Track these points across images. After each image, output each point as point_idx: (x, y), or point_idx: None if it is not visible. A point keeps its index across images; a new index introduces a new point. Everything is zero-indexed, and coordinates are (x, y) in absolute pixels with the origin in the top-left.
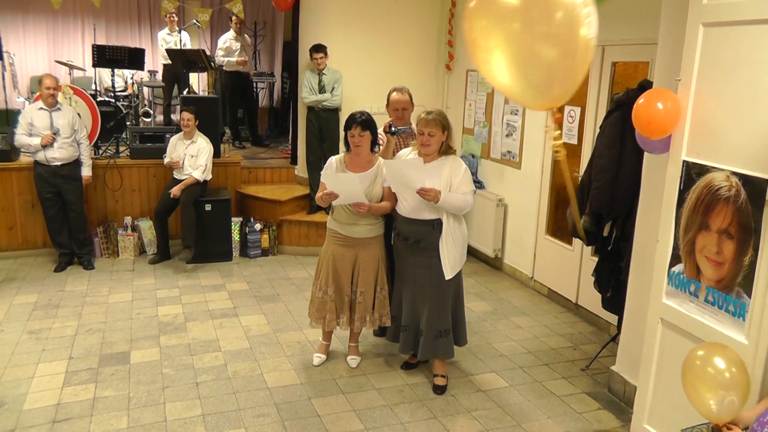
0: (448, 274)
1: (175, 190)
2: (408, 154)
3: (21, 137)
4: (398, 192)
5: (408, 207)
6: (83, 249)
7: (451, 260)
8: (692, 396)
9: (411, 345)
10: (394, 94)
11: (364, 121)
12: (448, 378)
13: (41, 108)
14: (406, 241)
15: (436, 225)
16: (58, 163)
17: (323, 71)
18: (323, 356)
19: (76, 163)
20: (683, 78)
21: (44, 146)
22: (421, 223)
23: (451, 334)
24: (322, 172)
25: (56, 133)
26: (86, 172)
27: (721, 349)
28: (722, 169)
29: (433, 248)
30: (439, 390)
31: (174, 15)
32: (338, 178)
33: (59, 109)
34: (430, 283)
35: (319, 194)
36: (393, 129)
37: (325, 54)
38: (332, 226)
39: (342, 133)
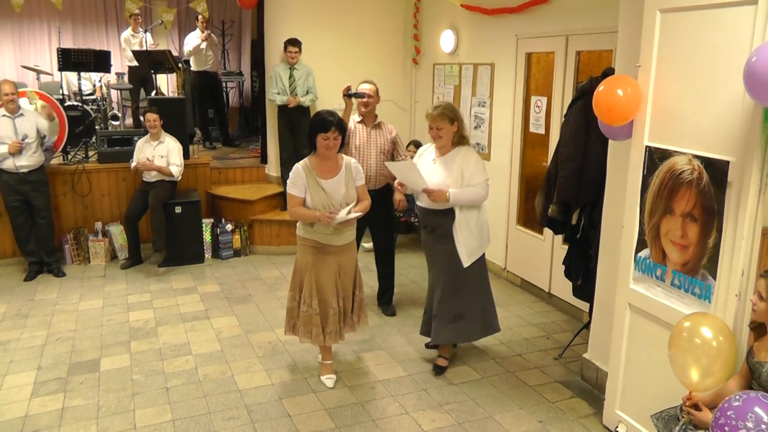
0: (466, 262)
1: (152, 166)
2: (427, 149)
3: None
4: (414, 189)
5: (424, 198)
6: (52, 257)
7: (467, 248)
8: (678, 366)
9: (428, 328)
10: (363, 84)
11: (339, 123)
12: (449, 361)
13: (4, 115)
14: (429, 231)
15: (449, 213)
16: (25, 170)
17: (295, 66)
18: (334, 376)
19: (43, 169)
20: (643, 64)
21: (12, 154)
22: (436, 213)
23: (465, 318)
24: (289, 182)
25: (24, 138)
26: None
27: (707, 319)
28: (684, 153)
29: (449, 235)
30: (439, 370)
31: (138, 16)
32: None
33: (22, 114)
34: (446, 268)
35: (318, 214)
36: (350, 92)
37: (300, 49)
38: (312, 237)
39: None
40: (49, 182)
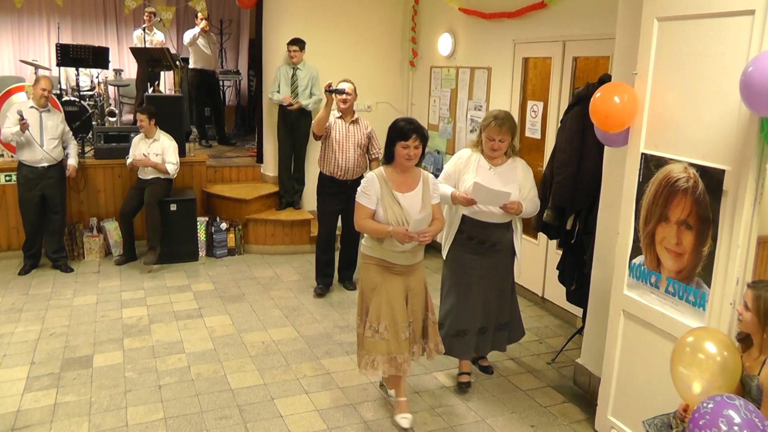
0: (519, 273)
1: (148, 162)
2: (469, 156)
3: (7, 130)
4: (481, 204)
5: (482, 210)
6: (60, 252)
7: (520, 258)
8: (679, 380)
9: (486, 346)
10: (342, 83)
11: (420, 130)
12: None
13: (32, 107)
14: (481, 244)
15: (509, 227)
16: (45, 164)
17: (297, 66)
18: (410, 415)
19: (61, 165)
20: (640, 72)
21: (23, 130)
22: (499, 227)
23: (509, 324)
24: (360, 191)
25: (21, 114)
26: (72, 161)
27: (711, 334)
28: (680, 161)
29: (508, 248)
30: (491, 370)
31: (153, 14)
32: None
33: (49, 110)
34: (500, 281)
35: (390, 229)
36: (331, 88)
37: (301, 48)
38: (379, 255)
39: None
40: (66, 179)
